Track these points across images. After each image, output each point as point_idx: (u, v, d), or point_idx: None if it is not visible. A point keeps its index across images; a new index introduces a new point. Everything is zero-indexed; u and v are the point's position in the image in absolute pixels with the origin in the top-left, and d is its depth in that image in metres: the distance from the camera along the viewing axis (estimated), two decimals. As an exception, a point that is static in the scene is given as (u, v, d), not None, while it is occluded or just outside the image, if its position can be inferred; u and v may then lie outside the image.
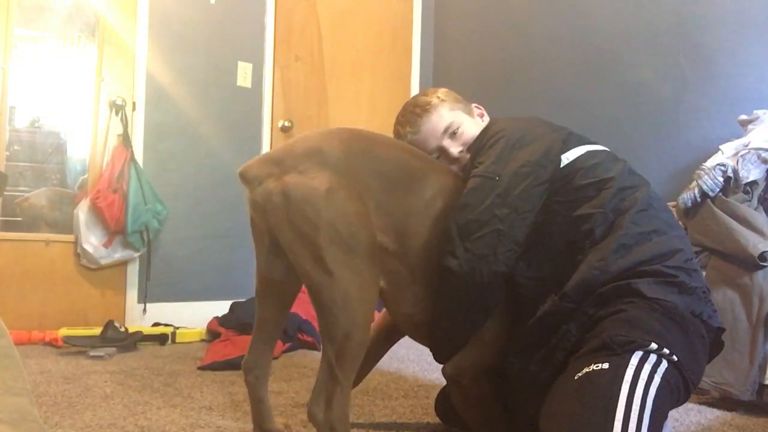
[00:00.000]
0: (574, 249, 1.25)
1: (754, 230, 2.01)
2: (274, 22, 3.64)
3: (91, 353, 2.52)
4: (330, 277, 1.20)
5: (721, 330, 1.25)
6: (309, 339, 2.84)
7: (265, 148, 3.57)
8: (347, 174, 1.26)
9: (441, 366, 1.40)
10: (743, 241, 1.99)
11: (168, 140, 3.31)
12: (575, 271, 1.22)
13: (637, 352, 1.07)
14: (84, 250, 3.01)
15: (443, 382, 1.48)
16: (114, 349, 2.61)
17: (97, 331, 2.72)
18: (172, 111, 3.32)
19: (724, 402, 1.99)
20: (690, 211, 2.17)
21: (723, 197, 2.10)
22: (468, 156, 1.48)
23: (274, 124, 3.64)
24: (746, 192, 2.10)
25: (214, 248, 3.42)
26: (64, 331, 2.72)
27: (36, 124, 3.15)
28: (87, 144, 3.16)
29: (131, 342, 2.74)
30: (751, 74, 2.63)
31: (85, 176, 3.15)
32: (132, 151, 3.13)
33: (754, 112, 2.33)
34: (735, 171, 2.09)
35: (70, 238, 3.06)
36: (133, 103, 3.20)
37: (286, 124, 3.65)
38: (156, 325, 3.05)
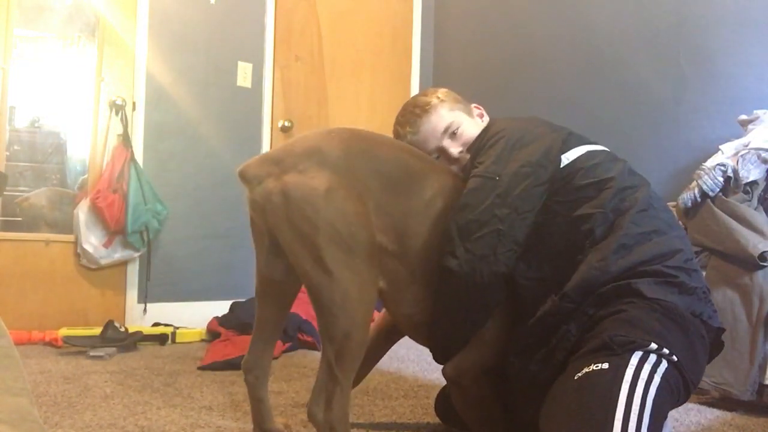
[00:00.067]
0: (574, 249, 1.25)
1: (754, 230, 2.01)
2: (274, 22, 3.64)
3: (91, 353, 2.52)
4: (329, 277, 1.20)
5: (721, 330, 1.25)
6: (309, 339, 2.84)
7: (265, 148, 3.57)
8: (347, 174, 1.26)
9: (441, 366, 1.40)
10: (743, 241, 1.99)
11: (168, 140, 3.31)
12: (575, 272, 1.22)
13: (637, 352, 1.07)
14: (84, 250, 3.01)
15: (443, 382, 1.48)
16: (114, 349, 2.61)
17: (97, 331, 2.72)
18: (172, 111, 3.32)
19: (724, 402, 1.99)
20: (690, 211, 2.17)
21: (723, 197, 2.10)
22: (467, 156, 1.48)
23: (274, 124, 3.64)
24: (746, 192, 2.10)
25: (214, 248, 3.42)
26: (64, 331, 2.72)
27: (36, 124, 3.15)
28: (87, 144, 3.16)
29: (131, 342, 2.74)
30: (751, 74, 2.63)
31: (85, 176, 3.15)
32: (132, 151, 3.13)
33: (754, 112, 2.33)
34: (735, 171, 2.09)
35: (70, 238, 3.06)
36: (133, 103, 3.20)
37: (286, 124, 3.65)
38: (156, 325, 3.05)
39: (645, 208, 1.26)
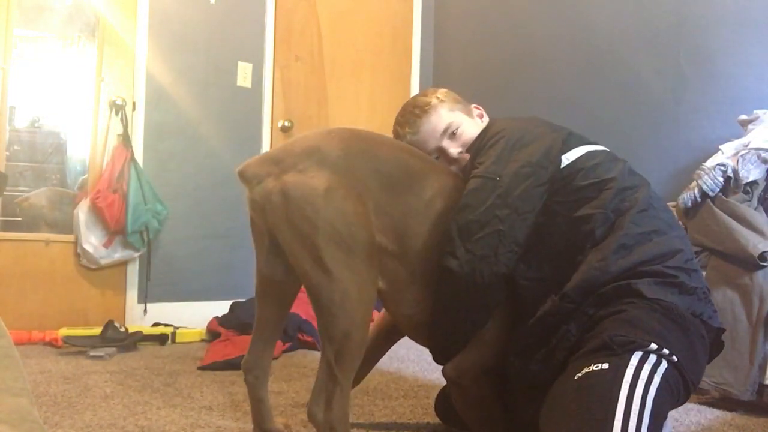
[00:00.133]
0: (574, 249, 1.25)
1: (754, 230, 2.01)
2: (274, 22, 3.64)
3: (91, 353, 2.52)
4: (329, 277, 1.20)
5: (721, 330, 1.25)
6: (309, 339, 2.84)
7: (265, 148, 3.57)
8: (346, 173, 1.26)
9: (441, 366, 1.40)
10: (743, 241, 1.99)
11: (168, 140, 3.31)
12: (575, 272, 1.22)
13: (637, 353, 1.07)
14: (84, 250, 3.01)
15: (443, 382, 1.48)
16: (114, 349, 2.61)
17: (97, 331, 2.72)
18: (172, 111, 3.32)
19: (724, 402, 1.99)
20: (690, 211, 2.17)
21: (723, 197, 2.10)
22: (467, 156, 1.48)
23: (274, 124, 3.64)
24: (746, 192, 2.10)
25: (214, 248, 3.42)
26: (64, 331, 2.72)
27: (36, 124, 3.15)
28: (87, 144, 3.16)
29: (131, 342, 2.74)
30: (751, 74, 2.63)
31: (85, 176, 3.15)
32: (132, 151, 3.13)
33: (754, 112, 2.32)
34: (735, 171, 2.09)
35: (70, 238, 3.06)
36: (133, 103, 3.20)
37: (286, 124, 3.65)
38: (156, 325, 3.05)
39: (645, 208, 1.26)
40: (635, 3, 3.08)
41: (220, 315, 3.05)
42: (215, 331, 2.94)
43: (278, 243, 1.26)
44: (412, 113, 1.55)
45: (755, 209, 2.08)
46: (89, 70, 3.16)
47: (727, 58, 2.71)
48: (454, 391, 1.43)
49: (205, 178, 3.40)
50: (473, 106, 1.63)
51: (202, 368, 2.36)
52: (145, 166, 3.19)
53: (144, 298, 3.18)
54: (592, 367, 1.07)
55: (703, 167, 2.15)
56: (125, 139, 3.13)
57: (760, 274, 1.97)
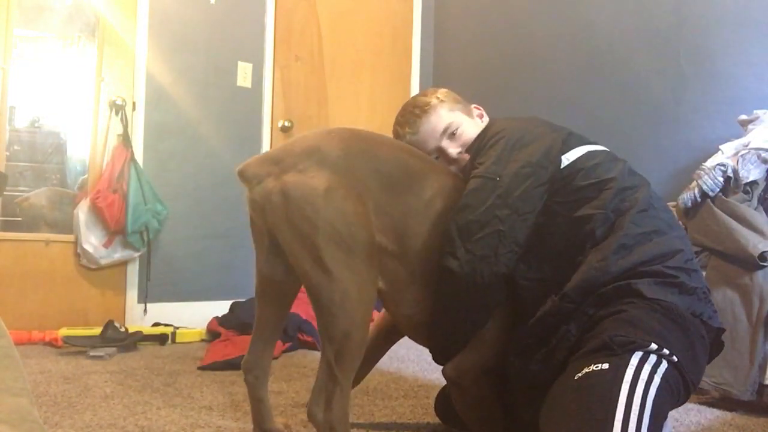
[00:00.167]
0: (574, 250, 1.25)
1: (754, 230, 2.01)
2: (274, 22, 3.64)
3: (91, 353, 2.52)
4: (329, 277, 1.20)
5: (721, 330, 1.25)
6: (309, 339, 2.84)
7: (265, 148, 3.57)
8: (346, 173, 1.26)
9: (441, 366, 1.40)
10: (743, 241, 1.99)
11: (168, 140, 3.31)
12: (575, 272, 1.22)
13: (637, 353, 1.07)
14: (84, 250, 3.01)
15: (443, 382, 1.48)
16: (114, 349, 2.61)
17: (97, 331, 2.72)
18: (172, 111, 3.32)
19: (724, 402, 1.99)
20: (690, 211, 2.17)
21: (723, 197, 2.10)
22: (466, 157, 1.48)
23: (274, 124, 3.64)
24: (746, 192, 2.10)
25: (214, 248, 3.42)
26: (64, 331, 2.72)
27: (36, 124, 3.15)
28: (87, 144, 3.16)
29: (131, 342, 2.74)
30: (751, 74, 2.63)
31: (85, 176, 3.15)
32: (132, 151, 3.13)
33: (754, 112, 2.32)
34: (735, 171, 2.09)
35: (70, 238, 3.06)
36: (133, 103, 3.20)
37: (286, 124, 3.65)
38: (156, 325, 3.05)
39: (645, 208, 1.26)
40: (635, 3, 3.07)
41: (220, 315, 3.05)
42: (215, 331, 2.94)
43: (278, 243, 1.26)
44: (411, 113, 1.55)
45: (755, 209, 2.08)
46: (89, 70, 3.16)
47: (727, 58, 2.71)
48: (454, 391, 1.43)
49: (205, 178, 3.40)
50: (473, 106, 1.63)
51: (202, 368, 2.36)
52: (145, 166, 3.19)
53: (144, 298, 3.18)
54: (593, 367, 1.07)
55: (703, 167, 2.15)
56: (125, 139, 3.13)
57: (760, 274, 1.97)
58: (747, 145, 2.15)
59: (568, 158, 1.32)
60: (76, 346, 2.64)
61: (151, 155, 3.25)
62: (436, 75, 4.16)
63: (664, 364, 1.08)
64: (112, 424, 1.60)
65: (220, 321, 2.99)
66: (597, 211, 1.25)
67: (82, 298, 3.08)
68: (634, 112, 3.03)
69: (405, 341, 1.62)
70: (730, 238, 2.02)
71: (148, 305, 3.19)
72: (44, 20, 3.10)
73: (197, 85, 3.39)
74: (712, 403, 2.02)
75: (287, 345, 2.74)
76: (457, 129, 1.52)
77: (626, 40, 3.09)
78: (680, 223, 2.00)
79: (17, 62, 3.00)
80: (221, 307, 3.11)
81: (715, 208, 2.09)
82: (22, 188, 3.06)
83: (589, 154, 1.34)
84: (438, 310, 1.32)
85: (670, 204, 1.88)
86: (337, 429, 1.21)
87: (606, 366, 1.06)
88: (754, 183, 2.10)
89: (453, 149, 1.52)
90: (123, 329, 2.75)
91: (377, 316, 1.68)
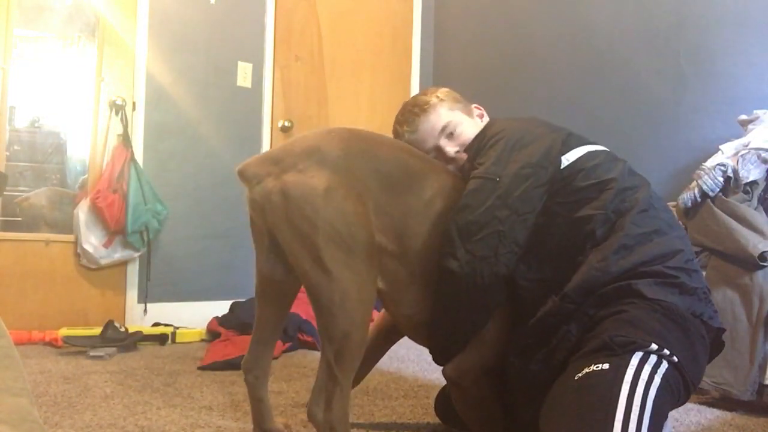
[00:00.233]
0: (574, 250, 1.25)
1: (754, 230, 2.01)
2: (274, 22, 3.64)
3: (91, 353, 2.52)
4: (328, 277, 1.20)
5: (722, 330, 1.25)
6: (309, 339, 2.84)
7: (265, 148, 3.57)
8: (346, 173, 1.26)
9: (441, 366, 1.40)
10: (743, 241, 1.99)
11: (168, 140, 3.31)
12: (576, 272, 1.22)
13: (637, 353, 1.07)
14: (84, 250, 3.01)
15: (443, 382, 1.48)
16: (114, 349, 2.61)
17: (97, 331, 2.72)
18: (172, 111, 3.32)
19: (724, 402, 1.99)
20: (690, 211, 2.17)
21: (723, 197, 2.10)
22: (464, 156, 1.47)
23: (274, 124, 3.64)
24: (746, 192, 2.10)
25: (214, 248, 3.42)
26: (64, 331, 2.72)
27: (36, 124, 3.14)
28: (87, 144, 3.16)
29: (131, 342, 2.74)
30: (751, 74, 2.63)
31: (85, 176, 3.15)
32: (132, 151, 3.13)
33: (754, 112, 2.32)
34: (735, 171, 2.09)
35: (70, 238, 3.06)
36: (133, 103, 3.20)
37: (286, 124, 3.65)
38: (156, 325, 3.05)
39: (646, 208, 1.26)
40: (635, 3, 3.08)
41: (220, 315, 3.05)
42: (215, 331, 2.94)
43: (278, 243, 1.26)
44: (411, 112, 1.55)
45: (755, 209, 2.08)
46: (89, 70, 3.16)
47: (727, 58, 2.71)
48: (454, 391, 1.43)
49: (205, 178, 3.40)
50: (474, 106, 1.63)
51: (202, 368, 2.36)
52: (145, 166, 3.19)
53: (144, 298, 3.18)
54: (593, 368, 1.07)
55: (703, 167, 2.15)
56: (125, 139, 3.13)
57: (760, 274, 1.97)
58: (747, 145, 2.15)
59: (568, 159, 1.32)
60: (76, 346, 2.64)
61: (151, 155, 3.25)
62: (436, 75, 4.16)
63: (665, 365, 1.08)
64: (112, 424, 1.60)
65: (220, 321, 2.99)
66: (597, 211, 1.25)
67: (82, 298, 3.08)
68: (634, 112, 3.03)
69: (405, 341, 1.62)
70: (730, 238, 2.02)
71: (148, 305, 3.19)
72: (44, 20, 3.10)
73: (197, 85, 3.39)
74: (712, 403, 2.02)
75: (287, 345, 2.74)
76: (455, 128, 1.52)
77: (626, 40, 3.09)
78: (680, 223, 2.00)
79: (17, 62, 3.00)
80: (221, 307, 3.11)
81: (715, 208, 2.09)
82: (22, 188, 3.06)
83: (589, 154, 1.34)
84: (438, 311, 1.32)
85: (670, 204, 1.88)
86: (337, 429, 1.21)
87: (606, 366, 1.06)
88: (754, 183, 2.10)
89: (451, 148, 1.52)
90: (123, 329, 2.75)
91: (377, 316, 1.68)
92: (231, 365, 2.31)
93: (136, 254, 3.15)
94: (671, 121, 2.89)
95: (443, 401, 1.64)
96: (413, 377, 2.30)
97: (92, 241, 3.02)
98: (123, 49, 3.21)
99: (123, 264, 3.16)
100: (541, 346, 1.22)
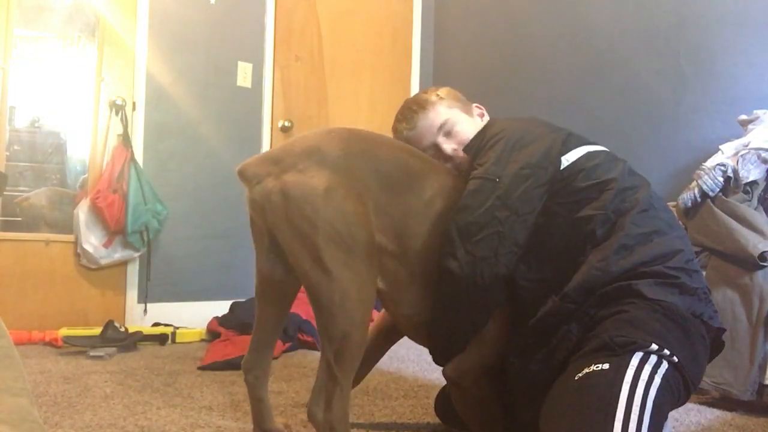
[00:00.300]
0: (575, 250, 1.25)
1: (754, 230, 2.01)
2: (274, 22, 3.64)
3: (91, 353, 2.52)
4: (328, 277, 1.20)
5: (722, 330, 1.25)
6: (309, 339, 2.84)
7: (265, 148, 3.57)
8: (346, 173, 1.26)
9: (441, 366, 1.40)
10: (743, 241, 1.99)
11: (168, 140, 3.31)
12: (576, 272, 1.22)
13: (637, 353, 1.07)
14: (84, 250, 3.01)
15: (443, 382, 1.48)
16: (114, 349, 2.61)
17: (97, 331, 2.72)
18: (172, 111, 3.32)
19: (724, 402, 1.99)
20: (690, 211, 2.17)
21: (723, 197, 2.10)
22: (461, 154, 1.47)
23: (274, 124, 3.64)
24: (746, 192, 2.10)
25: (214, 248, 3.42)
26: (64, 331, 2.72)
27: (36, 124, 3.14)
28: (87, 144, 3.16)
29: (131, 342, 2.74)
30: (751, 74, 2.63)
31: (85, 176, 3.15)
32: (132, 151, 3.13)
33: (754, 112, 2.32)
34: (735, 171, 2.09)
35: (70, 238, 3.06)
36: (133, 103, 3.21)
37: (286, 124, 3.65)
38: (156, 325, 3.05)
39: (646, 208, 1.26)
40: (635, 3, 3.08)
41: (220, 315, 3.05)
42: (215, 331, 2.94)
43: (278, 243, 1.26)
44: (410, 109, 1.56)
45: (755, 209, 2.08)
46: (89, 70, 3.16)
47: (727, 58, 2.71)
48: (454, 391, 1.43)
49: (205, 178, 3.40)
50: (475, 105, 1.63)
51: (202, 368, 2.36)
52: (145, 166, 3.19)
53: (144, 298, 3.18)
54: (593, 368, 1.07)
55: (703, 167, 2.15)
56: (125, 139, 3.13)
57: (760, 274, 1.97)
58: (747, 145, 2.15)
59: (567, 159, 1.31)
60: (76, 346, 2.64)
61: (151, 155, 3.25)
62: (436, 75, 4.16)
63: (665, 365, 1.08)
64: (112, 424, 1.60)
65: (220, 321, 2.99)
66: (597, 211, 1.25)
67: (82, 298, 3.08)
68: (634, 112, 3.03)
69: (405, 341, 1.62)
70: (730, 238, 2.02)
71: (148, 305, 3.19)
72: (44, 20, 3.10)
73: (197, 85, 3.39)
74: (712, 403, 2.02)
75: (287, 345, 2.74)
76: (453, 126, 1.52)
77: (626, 40, 3.09)
78: (680, 223, 2.00)
79: (17, 62, 3.00)
80: (221, 307, 3.11)
81: (715, 208, 2.09)
82: (22, 188, 3.06)
83: (589, 154, 1.33)
84: (438, 311, 1.32)
85: (670, 204, 1.88)
86: (337, 429, 1.21)
87: (606, 366, 1.06)
88: (754, 183, 2.10)
89: (448, 145, 1.51)
90: (123, 329, 2.75)
91: (377, 316, 1.68)
92: (231, 365, 2.31)
93: (136, 254, 3.15)
94: (671, 121, 2.89)
95: (443, 401, 1.64)
96: (413, 377, 2.30)
97: (92, 241, 3.02)
98: (123, 49, 3.21)
99: (123, 264, 3.16)
100: (541, 346, 1.22)
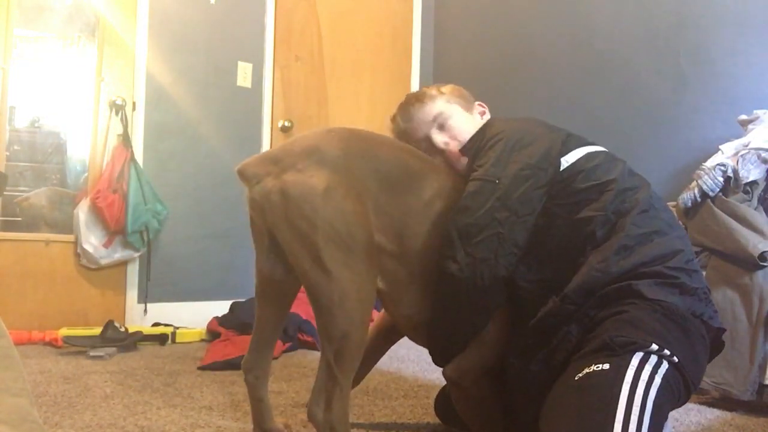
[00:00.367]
0: (574, 251, 1.25)
1: (754, 230, 2.01)
2: (274, 22, 3.64)
3: (91, 353, 2.52)
4: (328, 276, 1.20)
5: (722, 330, 1.25)
6: (309, 339, 2.84)
7: (265, 148, 3.57)
8: (346, 173, 1.26)
9: (441, 367, 1.40)
10: (743, 241, 1.99)
11: (168, 140, 3.31)
12: (576, 273, 1.22)
13: (637, 353, 1.07)
14: (84, 250, 3.01)
15: (443, 382, 1.48)
16: (114, 349, 2.61)
17: (97, 331, 2.72)
18: (172, 111, 3.32)
19: (724, 402, 1.99)
20: (690, 211, 2.17)
21: (723, 197, 2.10)
22: (452, 148, 1.47)
23: (274, 124, 3.64)
24: (746, 192, 2.10)
25: (214, 248, 3.42)
26: (64, 331, 2.72)
27: (36, 124, 3.14)
28: (87, 144, 3.16)
29: (131, 342, 2.74)
30: (751, 74, 2.63)
31: (85, 176, 3.15)
32: (132, 151, 3.13)
33: (754, 112, 2.32)
34: (735, 171, 2.09)
35: (70, 238, 3.06)
36: (133, 103, 3.21)
37: (286, 124, 3.65)
38: (156, 325, 3.05)
39: (646, 209, 1.26)
40: (635, 3, 3.07)
41: (220, 315, 3.05)
42: (215, 331, 2.94)
43: (278, 242, 1.26)
44: (409, 102, 1.56)
45: (755, 209, 2.08)
46: (89, 70, 3.16)
47: (727, 58, 2.71)
48: (454, 391, 1.43)
49: (205, 178, 3.40)
50: (477, 103, 1.63)
51: (202, 368, 2.36)
52: (145, 166, 3.19)
53: (144, 298, 3.18)
54: (593, 368, 1.06)
55: (703, 167, 2.15)
56: (125, 139, 3.13)
57: (760, 274, 1.97)
58: (747, 145, 2.15)
59: (567, 160, 1.31)
60: (76, 346, 2.64)
61: (151, 155, 3.25)
62: (436, 75, 4.16)
63: (665, 365, 1.08)
64: (112, 424, 1.60)
65: (220, 321, 2.99)
66: (598, 213, 1.25)
67: (82, 298, 3.08)
68: (634, 112, 3.03)
69: (405, 341, 1.62)
70: (730, 238, 2.02)
71: (148, 305, 3.19)
72: (44, 20, 3.10)
73: (197, 85, 3.39)
74: (712, 403, 2.02)
75: (287, 345, 2.74)
76: (447, 120, 1.51)
77: (626, 40, 3.09)
78: (680, 223, 2.00)
79: (17, 62, 3.00)
80: (221, 307, 3.10)
81: (715, 208, 2.09)
82: (22, 188, 3.06)
83: (588, 155, 1.33)
84: (437, 313, 1.32)
85: (670, 204, 1.88)
86: (337, 429, 1.21)
87: (607, 366, 1.06)
88: (754, 183, 2.10)
89: (439, 138, 1.51)
90: (123, 329, 2.75)
91: (377, 316, 1.68)
92: (231, 365, 2.31)
93: (136, 254, 3.15)
94: (671, 121, 2.89)
95: (443, 401, 1.64)
96: (413, 377, 2.30)
97: (92, 241, 3.02)
98: (123, 49, 3.21)
99: (123, 264, 3.16)
100: (542, 347, 1.22)
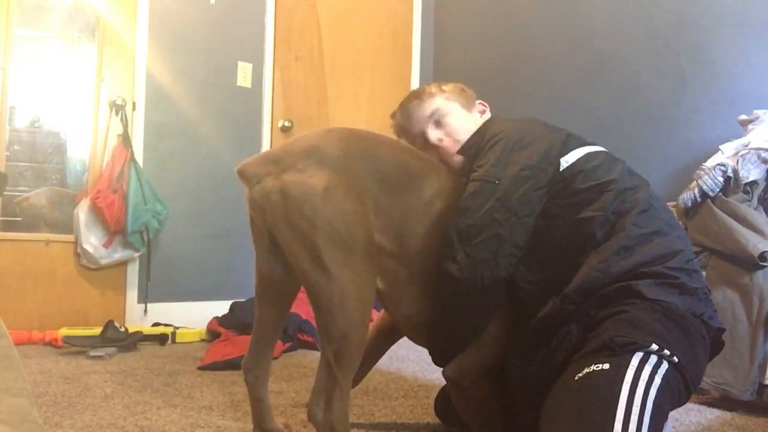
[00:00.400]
0: (574, 251, 1.25)
1: (754, 230, 2.01)
2: (274, 22, 3.64)
3: (91, 353, 2.52)
4: (327, 276, 1.20)
5: (722, 330, 1.25)
6: (309, 339, 2.84)
7: (265, 148, 3.57)
8: (346, 173, 1.26)
9: (441, 367, 1.40)
10: (743, 241, 1.99)
11: (168, 140, 3.31)
12: (576, 274, 1.22)
13: (637, 353, 1.07)
14: (84, 250, 3.01)
15: (443, 382, 1.48)
16: (114, 349, 2.61)
17: (97, 331, 2.72)
18: (172, 111, 3.32)
19: (724, 402, 1.99)
20: (690, 211, 2.17)
21: (723, 197, 2.10)
22: (447, 145, 1.47)
23: (274, 124, 3.64)
24: (746, 192, 2.10)
25: (214, 248, 3.42)
26: (64, 331, 2.72)
27: (36, 124, 3.14)
28: (87, 144, 3.16)
29: (131, 342, 2.74)
30: (751, 74, 2.63)
31: (85, 176, 3.15)
32: (132, 151, 3.13)
33: (754, 112, 2.32)
34: (735, 171, 2.09)
35: (70, 238, 3.06)
36: (133, 103, 3.20)
37: (286, 124, 3.65)
38: (156, 325, 3.05)
39: (646, 209, 1.26)
40: (635, 3, 3.07)
41: (220, 315, 3.05)
42: (215, 331, 2.94)
43: (277, 242, 1.26)
44: (408, 99, 1.57)
45: (755, 209, 2.08)
46: (89, 70, 3.16)
47: (727, 58, 2.71)
48: (454, 391, 1.43)
49: (205, 178, 3.40)
50: (478, 102, 1.62)
51: (202, 368, 2.36)
52: (145, 166, 3.19)
53: (144, 298, 3.18)
54: (593, 368, 1.07)
55: (703, 167, 2.15)
56: (125, 139, 3.13)
57: (760, 274, 1.97)
58: (747, 145, 2.15)
59: (567, 161, 1.31)
60: (76, 346, 2.64)
61: (151, 155, 3.25)
62: (436, 75, 4.16)
63: (665, 365, 1.08)
64: (112, 424, 1.60)
65: (220, 321, 2.99)
66: (598, 213, 1.25)
67: (82, 298, 3.08)
68: (634, 112, 3.03)
69: (405, 341, 1.62)
70: (730, 238, 2.02)
71: (148, 305, 3.19)
72: (44, 20, 3.10)
73: (197, 85, 3.39)
74: (712, 403, 2.02)
75: (287, 345, 2.74)
76: (443, 116, 1.51)
77: (626, 40, 3.09)
78: (680, 223, 2.00)
79: (17, 62, 2.99)
80: (221, 307, 3.10)
81: (715, 208, 2.09)
82: (22, 188, 3.06)
83: (588, 155, 1.33)
84: (437, 313, 1.32)
85: (670, 204, 1.88)
86: (337, 429, 1.21)
87: (607, 366, 1.06)
88: (754, 183, 2.10)
89: (434, 133, 1.50)
90: (123, 329, 2.75)
91: (377, 316, 1.68)
92: (231, 365, 2.31)
93: (136, 254, 3.15)
94: (671, 121, 2.89)
95: (443, 401, 1.64)
96: (413, 377, 2.30)
97: (92, 241, 3.02)
98: (123, 49, 3.21)
99: (123, 264, 3.16)
100: (542, 347, 1.22)
